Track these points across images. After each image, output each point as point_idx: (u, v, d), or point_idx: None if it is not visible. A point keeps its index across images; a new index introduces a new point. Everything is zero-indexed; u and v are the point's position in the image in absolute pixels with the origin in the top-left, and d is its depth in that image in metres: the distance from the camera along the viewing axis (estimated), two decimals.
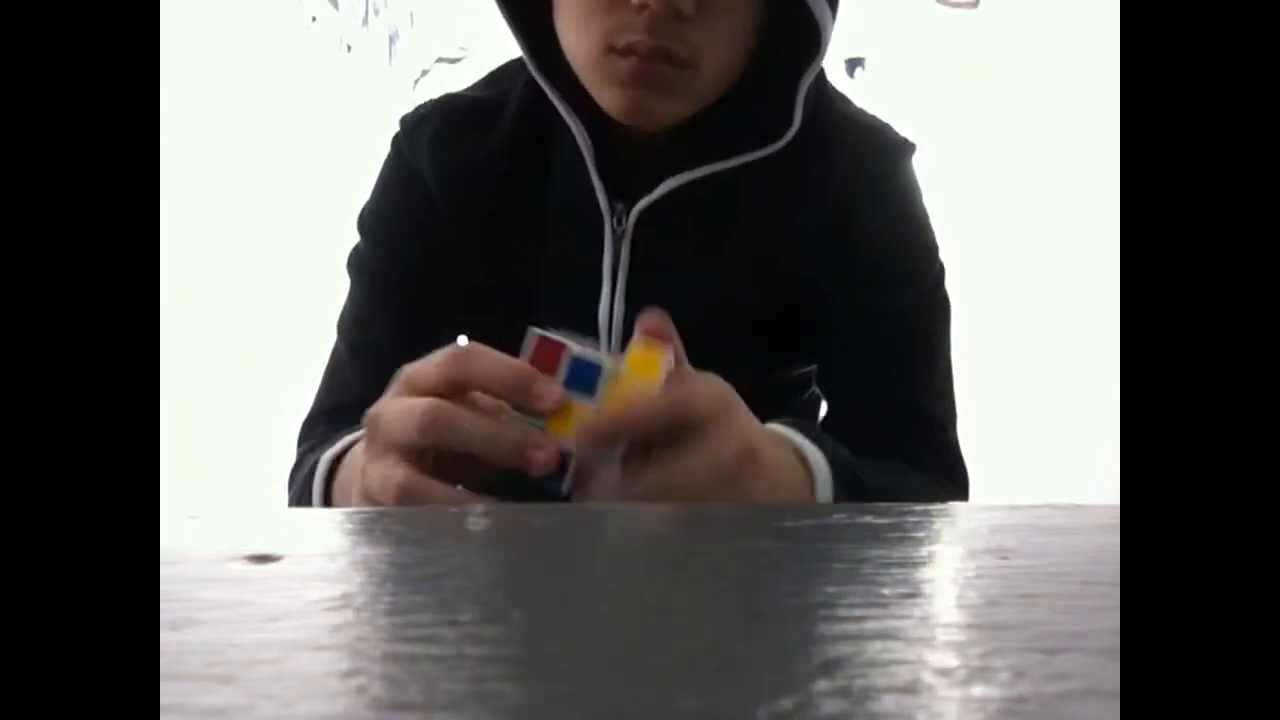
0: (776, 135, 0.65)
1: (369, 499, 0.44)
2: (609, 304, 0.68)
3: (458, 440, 0.42)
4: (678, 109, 0.62)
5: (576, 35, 0.62)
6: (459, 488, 0.44)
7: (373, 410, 0.45)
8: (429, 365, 0.43)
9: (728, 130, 0.65)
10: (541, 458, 0.41)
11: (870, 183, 0.69)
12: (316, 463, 0.56)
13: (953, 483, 0.68)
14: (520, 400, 0.42)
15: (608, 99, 0.62)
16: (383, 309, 0.73)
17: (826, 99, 0.72)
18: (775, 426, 0.51)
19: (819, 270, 0.68)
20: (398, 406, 0.43)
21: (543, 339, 0.43)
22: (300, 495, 0.60)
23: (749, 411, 0.47)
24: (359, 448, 0.50)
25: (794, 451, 0.50)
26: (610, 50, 0.59)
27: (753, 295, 0.69)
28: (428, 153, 0.72)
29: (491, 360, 0.43)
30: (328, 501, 0.56)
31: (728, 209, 0.69)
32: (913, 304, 0.70)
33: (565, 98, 0.66)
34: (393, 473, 0.42)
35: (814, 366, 0.76)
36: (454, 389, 0.43)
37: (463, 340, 0.79)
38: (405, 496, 0.42)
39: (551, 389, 0.42)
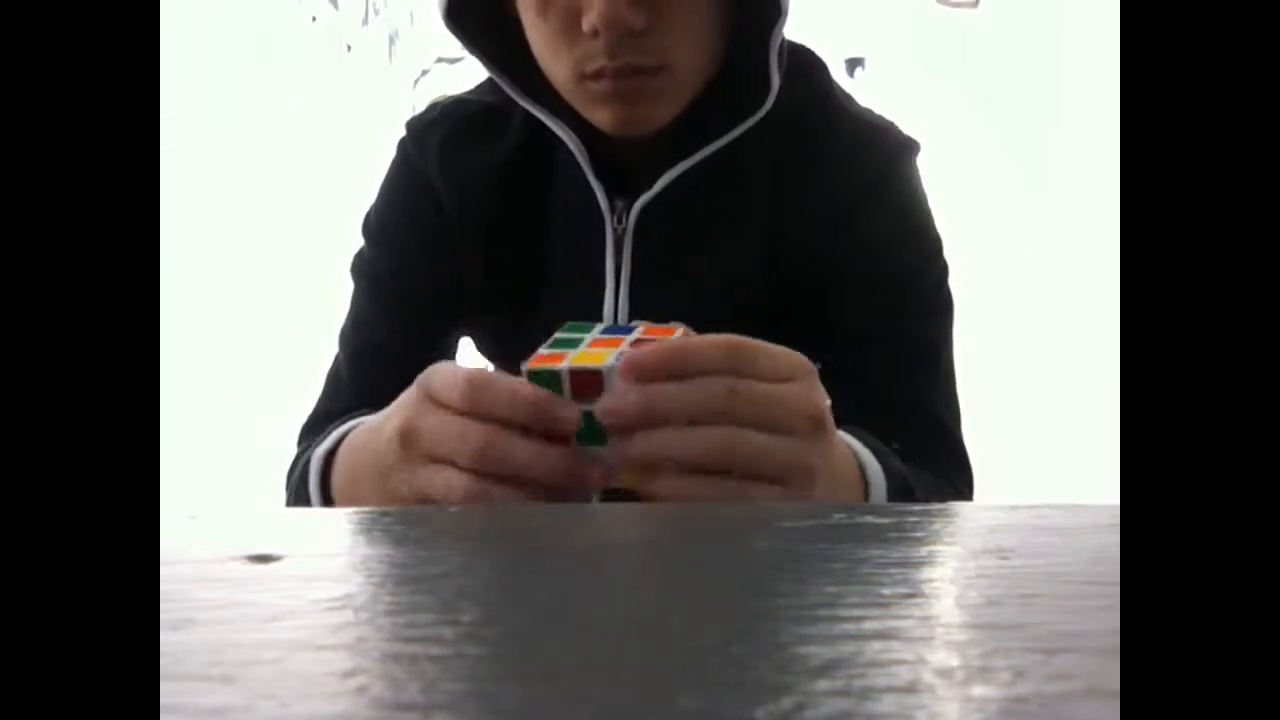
0: (760, 104, 0.65)
1: (412, 500, 0.44)
2: (613, 305, 0.69)
3: (513, 470, 0.42)
4: (665, 111, 0.63)
5: (548, 66, 0.63)
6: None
7: (406, 422, 0.44)
8: (451, 386, 0.43)
9: (716, 114, 0.66)
10: (597, 474, 0.42)
11: (872, 181, 0.69)
12: (309, 461, 0.56)
13: (958, 483, 0.68)
14: (546, 425, 0.42)
15: (595, 118, 0.63)
16: (384, 313, 0.73)
17: (832, 96, 0.72)
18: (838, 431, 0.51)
19: (821, 267, 0.68)
20: (439, 424, 0.43)
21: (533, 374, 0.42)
22: (296, 494, 0.59)
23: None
24: (360, 441, 0.50)
25: (853, 457, 0.50)
26: (582, 77, 0.60)
27: (757, 293, 0.69)
28: (437, 159, 0.72)
29: (508, 392, 0.42)
30: (327, 496, 0.55)
31: (729, 204, 0.69)
32: (915, 303, 0.70)
33: (556, 106, 0.66)
34: (453, 477, 0.42)
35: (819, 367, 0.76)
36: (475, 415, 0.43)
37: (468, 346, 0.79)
38: (470, 500, 0.42)
39: (571, 408, 0.42)
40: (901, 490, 0.51)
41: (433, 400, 0.43)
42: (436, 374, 0.44)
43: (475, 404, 0.42)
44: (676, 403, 0.41)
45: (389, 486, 0.45)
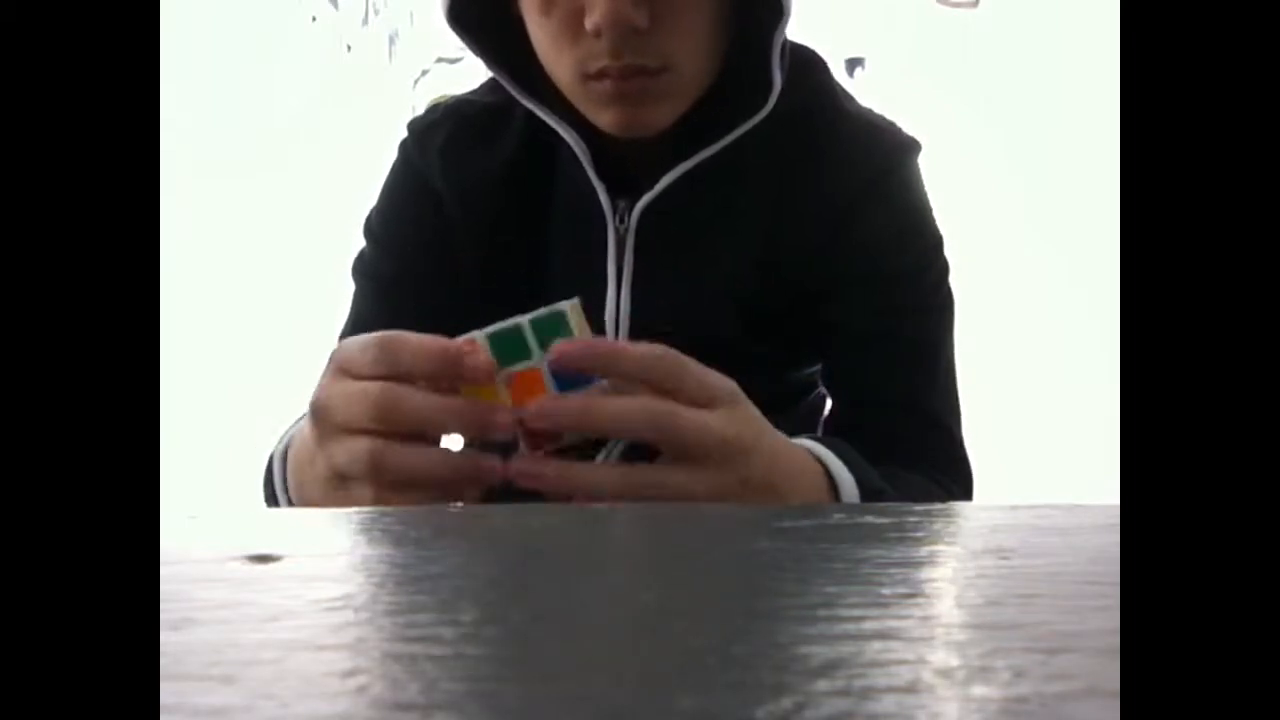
0: (762, 105, 0.65)
1: (334, 480, 0.43)
2: (614, 304, 0.69)
3: (411, 420, 0.41)
4: (668, 112, 0.63)
5: (551, 66, 0.63)
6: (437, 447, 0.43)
7: (315, 398, 0.44)
8: (361, 353, 0.43)
9: (718, 115, 0.66)
10: (500, 419, 0.41)
11: (873, 180, 0.69)
12: (271, 460, 0.56)
13: (956, 483, 0.68)
14: (454, 376, 0.42)
15: (598, 119, 0.63)
16: (385, 314, 0.73)
17: (833, 96, 0.72)
18: (804, 442, 0.51)
19: (822, 267, 0.69)
20: (345, 391, 0.42)
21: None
22: (267, 497, 0.59)
23: (775, 434, 0.46)
24: (304, 436, 0.49)
25: (820, 467, 0.50)
26: (585, 77, 0.60)
27: (758, 292, 0.69)
28: (439, 160, 0.72)
29: (417, 345, 0.42)
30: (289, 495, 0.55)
31: (730, 204, 0.69)
32: (915, 302, 0.70)
33: (558, 106, 0.66)
34: (357, 444, 0.42)
35: (819, 367, 0.76)
36: (389, 377, 0.42)
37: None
38: (378, 461, 0.41)
39: (482, 356, 0.42)
40: (873, 497, 0.51)
41: (343, 371, 0.43)
42: (346, 345, 0.44)
43: (386, 366, 0.42)
44: (601, 415, 0.42)
45: (314, 471, 0.45)
